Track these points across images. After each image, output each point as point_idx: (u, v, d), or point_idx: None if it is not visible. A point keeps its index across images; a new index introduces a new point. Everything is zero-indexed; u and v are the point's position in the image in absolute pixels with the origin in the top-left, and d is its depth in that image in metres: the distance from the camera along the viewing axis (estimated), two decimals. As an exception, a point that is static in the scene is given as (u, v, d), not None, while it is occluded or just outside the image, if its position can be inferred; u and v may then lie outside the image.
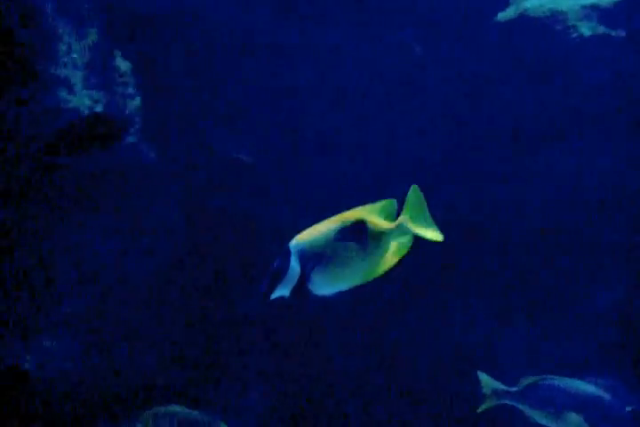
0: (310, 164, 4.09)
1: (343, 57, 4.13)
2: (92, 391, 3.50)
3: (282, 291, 1.59)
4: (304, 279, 1.59)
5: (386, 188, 4.05)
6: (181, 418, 3.48)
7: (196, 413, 3.50)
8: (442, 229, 1.68)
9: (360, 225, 1.64)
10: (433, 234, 1.69)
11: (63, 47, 3.43)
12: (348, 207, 1.67)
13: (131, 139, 3.57)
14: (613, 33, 3.99)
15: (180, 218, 3.91)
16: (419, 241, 1.69)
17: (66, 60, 3.43)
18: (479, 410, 2.85)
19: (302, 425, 3.93)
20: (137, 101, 3.63)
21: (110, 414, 3.50)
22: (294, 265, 1.58)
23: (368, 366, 4.04)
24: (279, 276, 1.58)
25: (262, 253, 3.78)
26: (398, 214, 1.69)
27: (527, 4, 4.15)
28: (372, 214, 1.67)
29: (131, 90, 3.63)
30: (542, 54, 4.08)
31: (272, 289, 1.58)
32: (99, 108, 3.44)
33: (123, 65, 3.65)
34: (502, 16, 4.16)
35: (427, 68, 4.18)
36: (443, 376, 3.99)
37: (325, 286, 1.62)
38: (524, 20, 4.13)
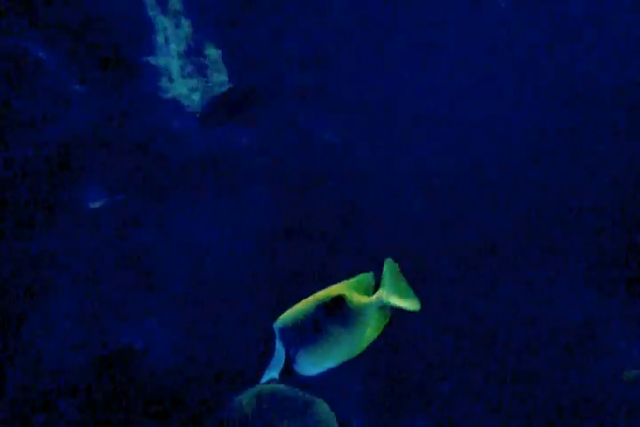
0: (400, 146, 4.11)
1: (436, 38, 4.15)
2: (196, 370, 3.59)
3: (271, 374, 1.64)
4: (290, 362, 1.64)
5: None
6: (283, 396, 3.50)
7: (297, 391, 3.52)
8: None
9: (339, 301, 1.67)
10: (411, 305, 1.69)
11: (161, 38, 3.61)
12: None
13: (224, 124, 3.69)
14: None
15: (270, 200, 3.99)
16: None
17: (164, 50, 3.60)
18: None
19: (398, 404, 3.90)
20: (229, 87, 3.76)
21: (216, 391, 3.57)
22: (280, 348, 1.64)
23: (468, 345, 3.97)
24: (266, 360, 1.63)
25: (352, 235, 3.80)
26: (377, 287, 1.72)
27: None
28: (350, 290, 1.70)
29: (223, 77, 3.77)
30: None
31: (261, 374, 1.63)
32: (195, 96, 3.59)
33: (214, 53, 3.80)
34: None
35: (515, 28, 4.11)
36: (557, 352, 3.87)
37: (312, 365, 1.66)
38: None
